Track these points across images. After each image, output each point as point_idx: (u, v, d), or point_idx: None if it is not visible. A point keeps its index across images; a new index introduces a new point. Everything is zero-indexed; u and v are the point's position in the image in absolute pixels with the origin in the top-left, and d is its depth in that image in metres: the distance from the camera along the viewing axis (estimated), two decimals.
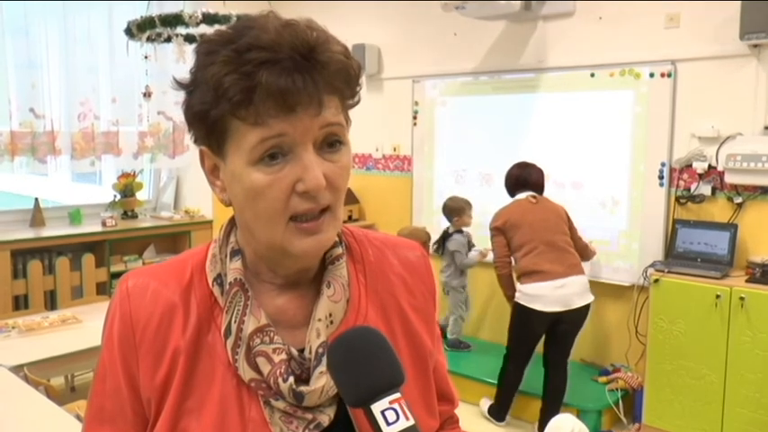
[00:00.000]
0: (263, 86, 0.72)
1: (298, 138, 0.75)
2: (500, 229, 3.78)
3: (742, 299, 3.37)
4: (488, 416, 4.02)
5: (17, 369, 2.80)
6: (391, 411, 0.69)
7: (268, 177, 0.75)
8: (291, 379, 0.78)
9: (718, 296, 3.43)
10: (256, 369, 0.79)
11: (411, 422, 0.69)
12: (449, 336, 4.67)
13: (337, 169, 0.78)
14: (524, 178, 3.89)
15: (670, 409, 3.66)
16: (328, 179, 0.77)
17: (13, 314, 3.83)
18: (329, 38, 0.78)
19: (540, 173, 3.91)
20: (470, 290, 4.71)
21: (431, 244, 4.62)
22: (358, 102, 0.83)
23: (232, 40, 0.75)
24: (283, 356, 0.79)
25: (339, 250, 0.88)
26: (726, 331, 3.42)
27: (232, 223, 0.89)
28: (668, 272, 3.67)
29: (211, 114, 0.75)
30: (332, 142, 0.78)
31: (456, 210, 4.53)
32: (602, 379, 4.13)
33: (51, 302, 4.55)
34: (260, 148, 0.74)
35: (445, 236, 4.62)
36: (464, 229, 4.56)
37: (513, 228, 3.74)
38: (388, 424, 0.68)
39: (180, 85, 0.80)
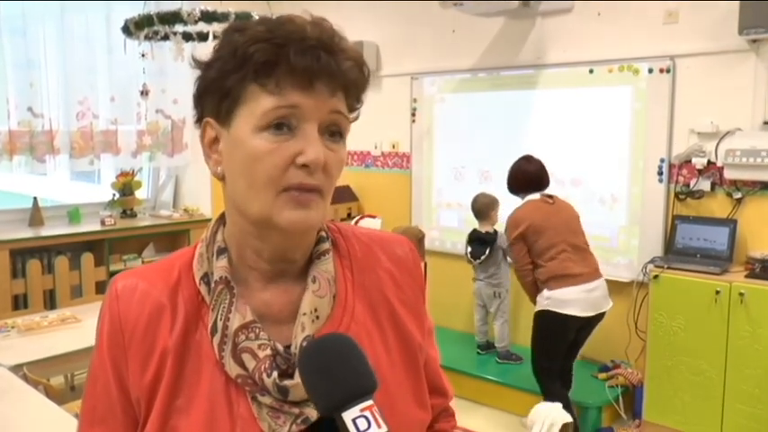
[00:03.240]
0: (289, 58, 0.76)
1: (308, 113, 0.78)
2: (522, 235, 3.51)
3: (741, 294, 3.36)
4: None
5: (16, 368, 2.79)
6: (362, 419, 0.69)
7: (271, 145, 0.78)
8: (275, 374, 0.79)
9: (717, 292, 3.43)
10: (242, 365, 0.80)
11: (383, 429, 0.69)
12: (498, 345, 4.45)
13: (334, 158, 0.81)
14: (540, 177, 3.64)
15: (670, 405, 3.66)
16: (325, 162, 0.79)
17: (13, 314, 3.82)
18: (349, 44, 0.83)
19: (546, 169, 3.69)
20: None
21: (467, 251, 4.43)
22: (357, 117, 0.86)
23: (262, 23, 0.80)
24: (268, 352, 0.80)
25: (325, 245, 0.89)
26: (725, 327, 3.42)
27: (219, 222, 0.90)
28: (668, 268, 3.67)
29: (230, 79, 0.79)
30: (333, 132, 0.82)
31: (491, 204, 4.32)
32: (603, 375, 4.13)
33: (50, 302, 4.55)
34: (271, 115, 0.78)
35: (489, 237, 4.31)
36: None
37: (536, 233, 3.49)
38: None
39: (198, 63, 0.84)
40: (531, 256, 3.53)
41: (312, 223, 0.82)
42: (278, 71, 0.77)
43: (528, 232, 3.49)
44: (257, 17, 3.28)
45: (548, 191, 3.69)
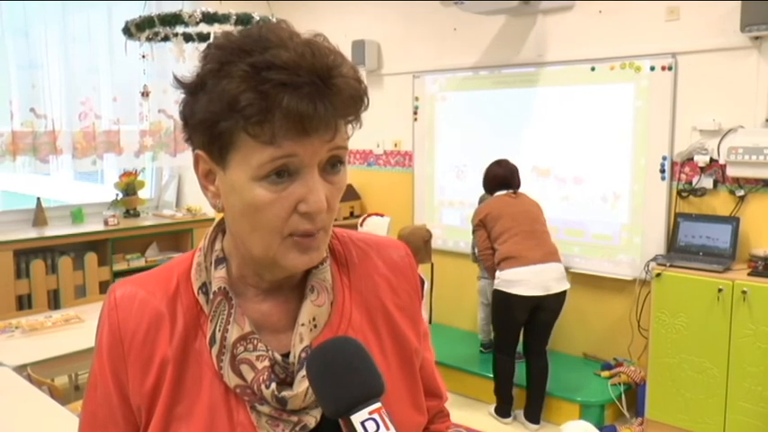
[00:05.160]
0: (282, 109, 0.72)
1: (306, 160, 0.75)
2: (482, 222, 3.88)
3: (744, 292, 3.36)
4: (495, 415, 4.03)
5: (21, 369, 2.81)
6: (371, 422, 0.69)
7: (271, 195, 0.75)
8: (273, 385, 0.79)
9: (720, 290, 3.43)
10: (241, 376, 0.81)
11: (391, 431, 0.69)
12: None
13: (335, 190, 0.80)
14: (507, 179, 3.96)
15: (673, 403, 3.66)
16: (327, 201, 0.78)
17: (17, 314, 3.84)
18: (343, 59, 0.78)
19: (518, 171, 4.00)
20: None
21: (474, 250, 4.42)
22: (355, 124, 0.83)
23: (249, 52, 0.74)
24: (266, 363, 0.81)
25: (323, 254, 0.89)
26: (728, 325, 3.42)
27: (217, 230, 0.89)
28: (670, 266, 3.67)
29: (220, 125, 0.74)
30: (334, 163, 0.79)
31: None
32: (605, 373, 4.14)
33: (54, 302, 4.56)
34: (268, 167, 0.74)
35: None
36: None
37: (494, 219, 3.83)
38: None
39: (181, 84, 0.79)
40: (490, 241, 3.86)
41: (317, 262, 0.83)
42: (271, 121, 0.72)
43: (487, 219, 3.87)
44: (257, 17, 3.26)
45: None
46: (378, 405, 0.71)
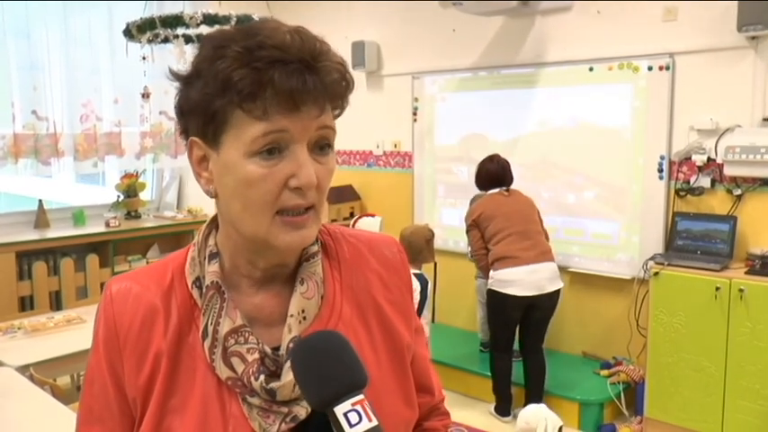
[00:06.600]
0: (274, 84, 0.75)
1: (296, 135, 0.78)
2: (475, 222, 3.89)
3: (741, 291, 3.38)
4: (495, 414, 4.06)
5: (23, 369, 2.83)
6: (354, 413, 0.71)
7: (263, 170, 0.78)
8: (262, 377, 0.81)
9: (717, 288, 3.44)
10: (232, 368, 0.82)
11: (374, 423, 0.71)
12: None
13: (325, 171, 0.82)
14: (500, 175, 3.98)
15: (671, 402, 3.68)
16: (317, 179, 0.80)
17: (19, 315, 3.86)
18: (329, 47, 0.82)
19: (510, 167, 4.01)
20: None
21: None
22: (340, 114, 0.86)
23: (241, 39, 0.78)
24: (256, 356, 0.82)
25: (314, 248, 0.90)
26: (726, 323, 3.44)
27: (211, 227, 0.92)
28: (668, 264, 3.68)
29: (215, 104, 0.78)
30: (323, 145, 0.82)
31: None
32: (604, 372, 4.15)
33: (56, 303, 4.59)
34: (261, 141, 0.77)
35: None
36: None
37: (488, 219, 3.85)
38: (351, 426, 0.70)
39: (176, 76, 0.83)
40: (484, 242, 3.87)
41: (308, 242, 0.84)
42: (263, 96, 0.76)
43: (480, 219, 3.87)
44: (257, 19, 3.30)
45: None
46: (360, 397, 0.72)
